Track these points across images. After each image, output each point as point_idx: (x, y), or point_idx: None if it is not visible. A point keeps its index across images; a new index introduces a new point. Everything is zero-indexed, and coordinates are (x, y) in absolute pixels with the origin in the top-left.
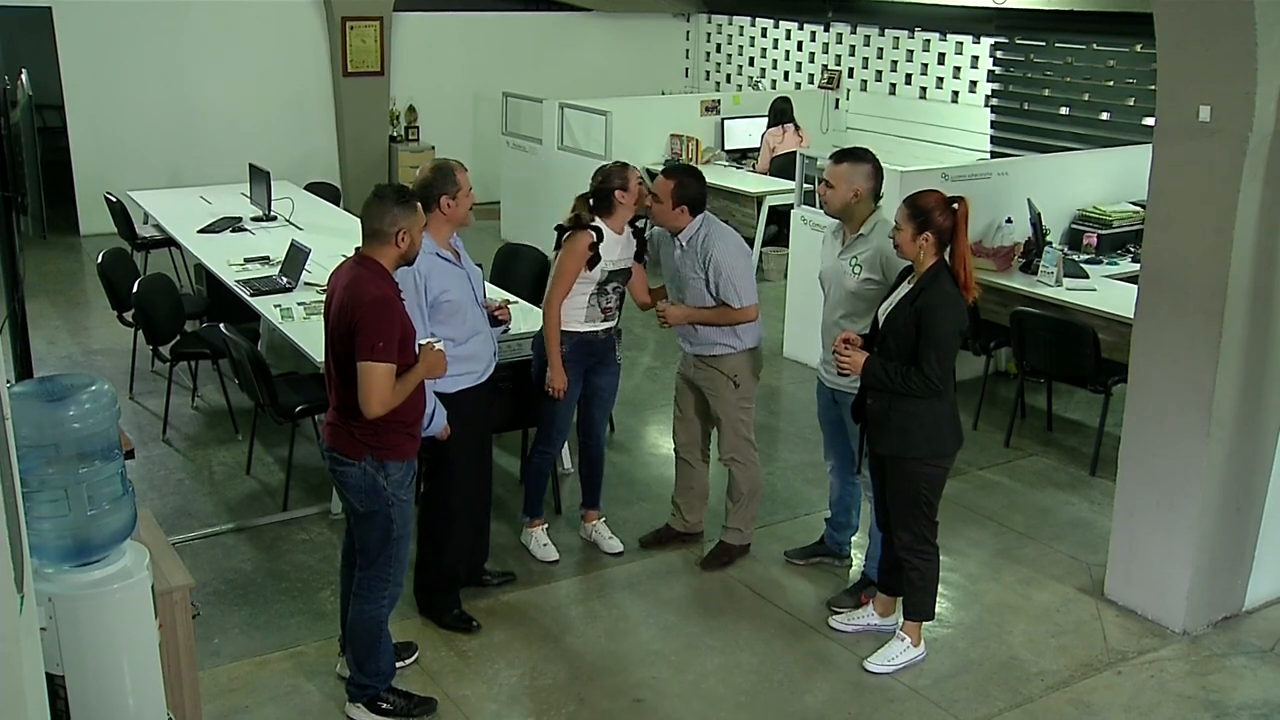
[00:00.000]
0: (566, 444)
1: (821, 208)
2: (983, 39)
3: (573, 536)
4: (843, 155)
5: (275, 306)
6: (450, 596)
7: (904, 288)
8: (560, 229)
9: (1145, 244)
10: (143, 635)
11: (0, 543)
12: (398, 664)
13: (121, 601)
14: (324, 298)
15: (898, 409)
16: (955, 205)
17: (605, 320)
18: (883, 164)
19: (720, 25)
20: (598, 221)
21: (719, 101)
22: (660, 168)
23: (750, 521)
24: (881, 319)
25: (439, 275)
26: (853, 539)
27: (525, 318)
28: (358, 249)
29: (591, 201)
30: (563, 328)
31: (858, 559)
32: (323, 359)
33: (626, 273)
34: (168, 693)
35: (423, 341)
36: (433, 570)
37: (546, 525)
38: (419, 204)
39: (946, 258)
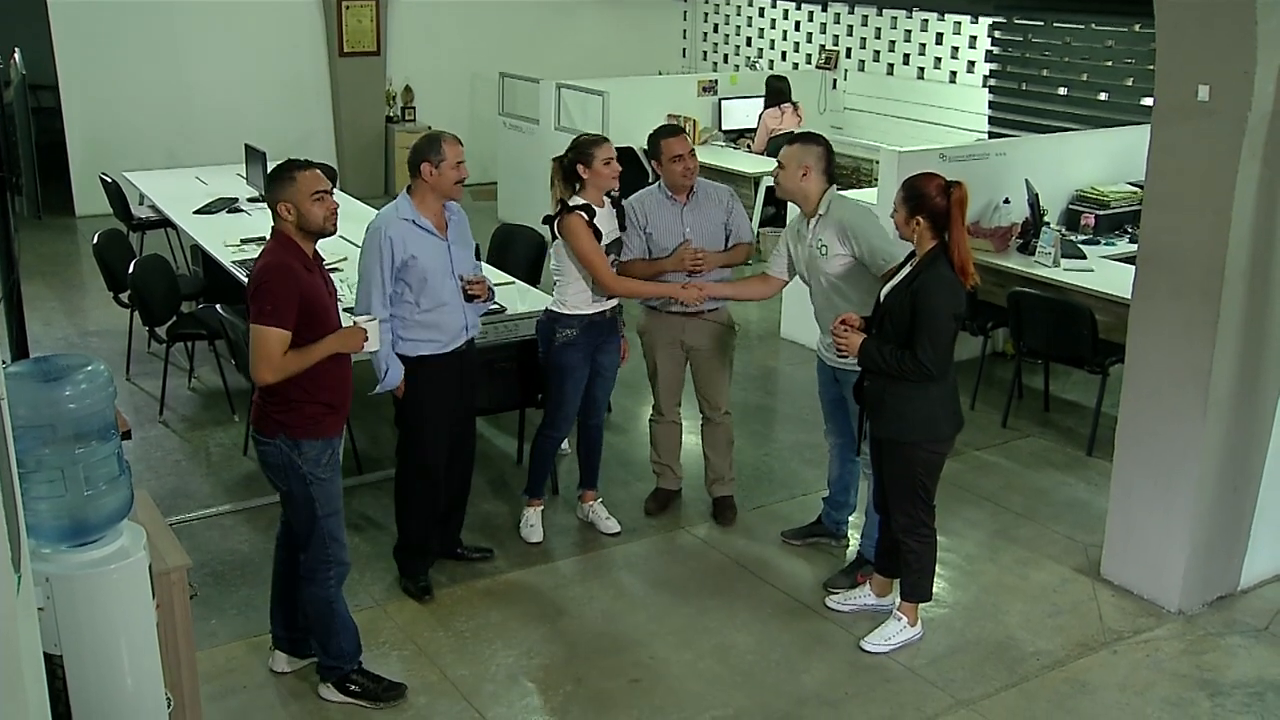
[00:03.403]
0: None
1: (775, 191)
2: (980, 19)
3: (570, 517)
4: (795, 138)
5: None
6: (416, 563)
7: (905, 269)
8: (549, 219)
9: (1143, 224)
10: (140, 615)
11: None
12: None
13: (119, 581)
14: None
15: (892, 392)
16: (951, 189)
17: (609, 298)
18: (881, 144)
19: (717, 5)
20: (576, 200)
21: (716, 82)
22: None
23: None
24: (883, 299)
25: (408, 240)
26: (850, 518)
27: (523, 298)
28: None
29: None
30: (575, 311)
31: (854, 539)
32: None
33: (618, 244)
34: (165, 672)
35: (355, 319)
36: (400, 531)
37: (543, 507)
38: (297, 174)
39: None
